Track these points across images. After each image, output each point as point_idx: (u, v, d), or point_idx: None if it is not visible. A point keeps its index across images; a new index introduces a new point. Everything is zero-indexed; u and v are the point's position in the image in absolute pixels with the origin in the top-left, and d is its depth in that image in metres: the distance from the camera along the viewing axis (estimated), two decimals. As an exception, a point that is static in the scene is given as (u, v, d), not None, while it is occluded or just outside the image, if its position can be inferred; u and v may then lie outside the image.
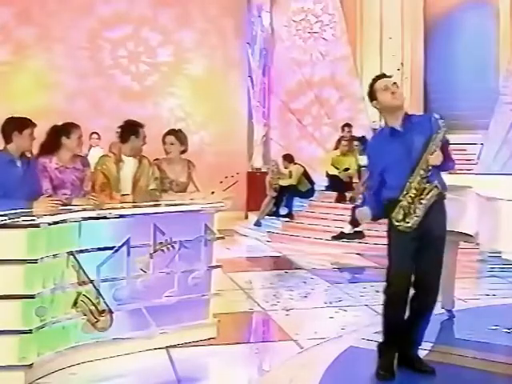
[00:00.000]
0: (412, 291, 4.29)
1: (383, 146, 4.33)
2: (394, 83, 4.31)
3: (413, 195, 4.15)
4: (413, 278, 4.26)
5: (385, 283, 4.33)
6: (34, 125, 5.02)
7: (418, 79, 13.07)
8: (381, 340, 4.41)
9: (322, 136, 13.31)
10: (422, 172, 4.15)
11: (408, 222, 4.15)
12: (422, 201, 4.15)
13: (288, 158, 11.85)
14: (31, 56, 12.80)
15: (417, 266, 4.24)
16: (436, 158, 4.16)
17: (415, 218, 4.15)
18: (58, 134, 5.40)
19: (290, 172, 11.68)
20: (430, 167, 4.16)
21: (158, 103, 13.52)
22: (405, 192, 4.15)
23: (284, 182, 11.70)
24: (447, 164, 4.29)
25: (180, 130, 6.15)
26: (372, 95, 4.36)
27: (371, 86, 4.37)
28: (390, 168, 4.26)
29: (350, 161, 11.40)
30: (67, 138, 5.37)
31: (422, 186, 4.16)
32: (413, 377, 4.30)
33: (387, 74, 4.48)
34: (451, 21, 12.98)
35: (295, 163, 11.78)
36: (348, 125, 12.04)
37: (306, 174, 11.71)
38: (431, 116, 4.31)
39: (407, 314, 4.34)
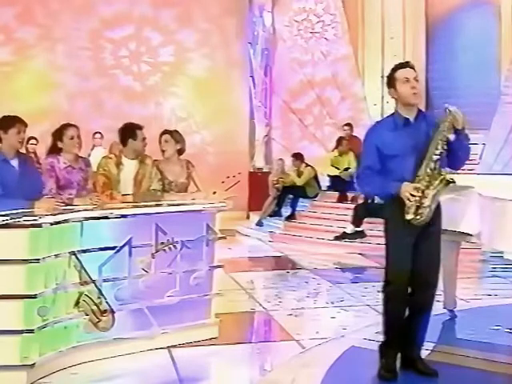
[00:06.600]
0: (409, 289, 4.24)
1: (391, 133, 4.13)
2: (416, 77, 4.10)
3: (423, 187, 4.03)
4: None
5: (383, 281, 4.28)
6: (22, 123, 4.92)
7: (419, 79, 13.03)
8: (382, 340, 4.39)
9: (324, 136, 13.31)
10: (431, 164, 4.05)
11: (422, 215, 4.02)
12: (429, 191, 4.01)
13: (299, 158, 11.74)
14: (33, 56, 12.81)
15: (414, 261, 4.15)
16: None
17: (427, 210, 4.01)
18: (54, 138, 5.41)
19: (300, 172, 11.63)
20: (438, 157, 4.05)
21: (160, 103, 13.52)
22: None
23: (289, 183, 11.67)
24: (456, 161, 4.24)
25: (175, 131, 6.22)
26: (391, 83, 4.15)
27: (392, 73, 4.15)
28: (395, 159, 4.09)
29: (349, 160, 11.39)
30: (61, 142, 5.38)
31: (433, 175, 4.04)
32: (414, 378, 4.28)
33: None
34: (453, 20, 12.97)
35: (307, 165, 11.70)
36: (348, 124, 12.06)
37: (316, 178, 11.67)
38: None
39: (406, 313, 4.30)
